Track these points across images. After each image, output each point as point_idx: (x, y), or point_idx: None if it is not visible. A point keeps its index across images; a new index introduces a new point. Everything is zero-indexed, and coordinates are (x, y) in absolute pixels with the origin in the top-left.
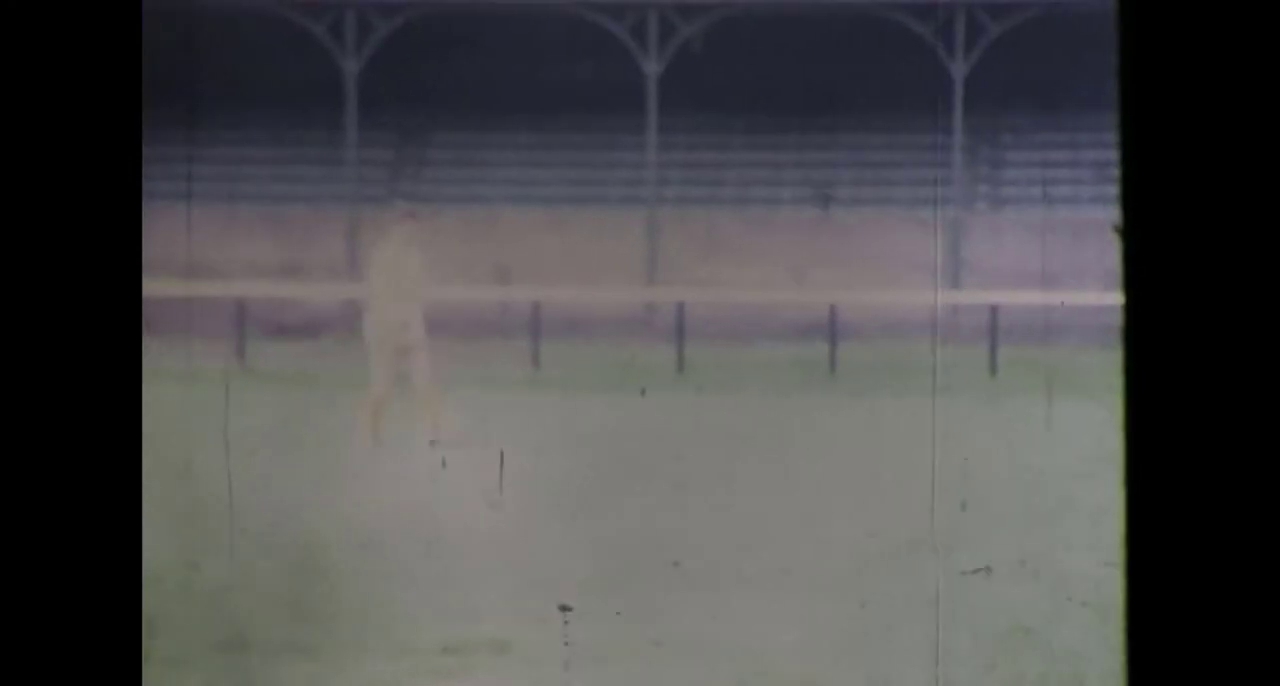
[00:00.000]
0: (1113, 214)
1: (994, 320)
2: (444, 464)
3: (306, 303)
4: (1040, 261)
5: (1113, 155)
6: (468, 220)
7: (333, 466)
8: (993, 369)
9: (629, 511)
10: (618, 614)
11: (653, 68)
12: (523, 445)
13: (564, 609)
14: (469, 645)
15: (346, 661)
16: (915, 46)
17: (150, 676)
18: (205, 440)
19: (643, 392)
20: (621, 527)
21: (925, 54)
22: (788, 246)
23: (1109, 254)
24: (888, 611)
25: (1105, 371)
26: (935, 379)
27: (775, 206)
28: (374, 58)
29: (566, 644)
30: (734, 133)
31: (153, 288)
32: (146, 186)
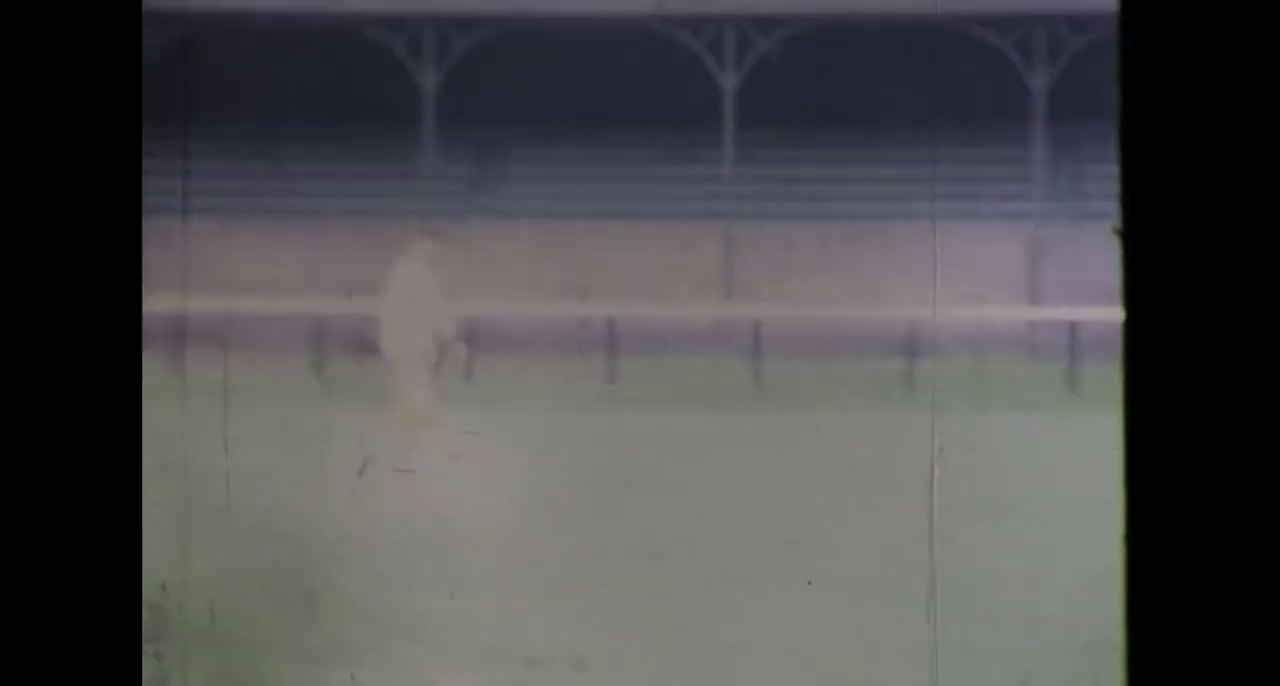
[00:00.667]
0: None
1: (1074, 336)
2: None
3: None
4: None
5: None
6: (545, 235)
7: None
8: (1072, 385)
9: (703, 526)
10: (691, 629)
11: (730, 82)
12: (597, 460)
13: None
14: (549, 659)
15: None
16: (995, 60)
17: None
18: (271, 452)
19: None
20: (696, 541)
21: (1005, 68)
22: (865, 261)
23: None
24: (955, 624)
25: None
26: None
27: (852, 221)
28: (452, 73)
29: (646, 658)
30: (811, 147)
31: (232, 303)
32: (224, 203)
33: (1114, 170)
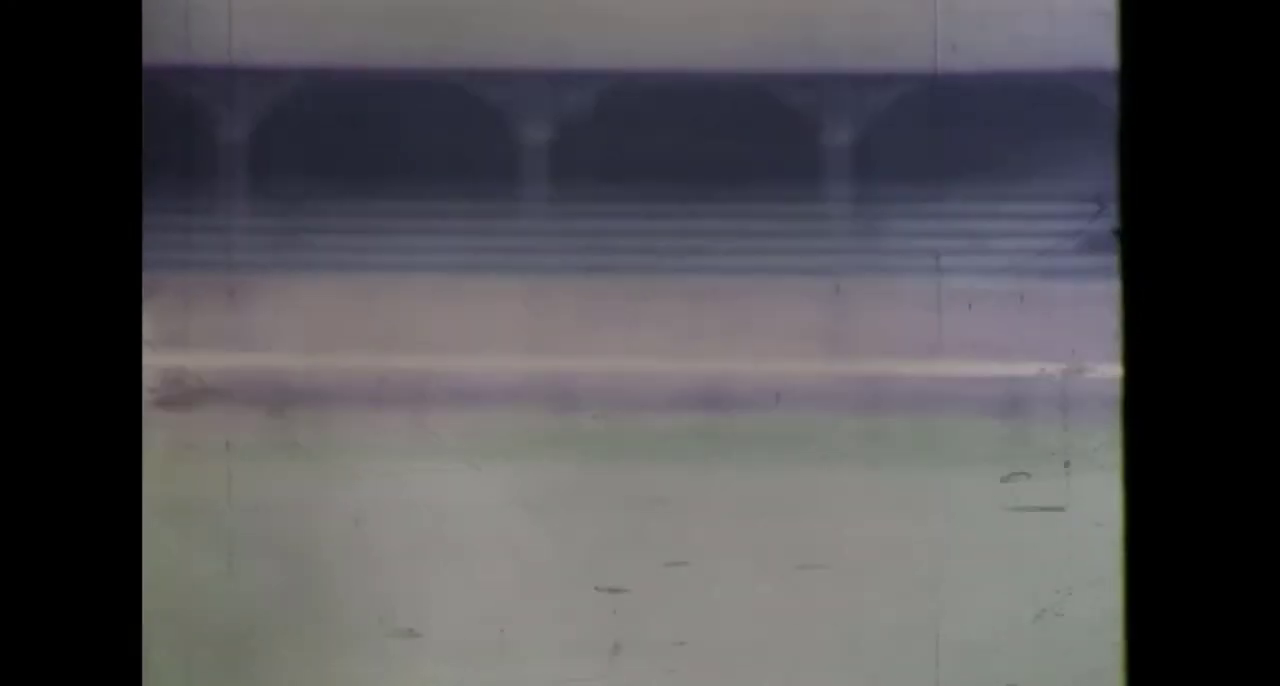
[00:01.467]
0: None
1: (875, 390)
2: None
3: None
4: (934, 332)
5: (979, 225)
6: (352, 289)
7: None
8: (874, 439)
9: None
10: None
11: (539, 136)
12: (408, 517)
13: None
14: None
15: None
16: (798, 118)
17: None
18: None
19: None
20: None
21: (803, 125)
22: (673, 316)
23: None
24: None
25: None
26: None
27: (657, 275)
28: (263, 125)
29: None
30: (625, 201)
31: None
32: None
33: (1115, 174)
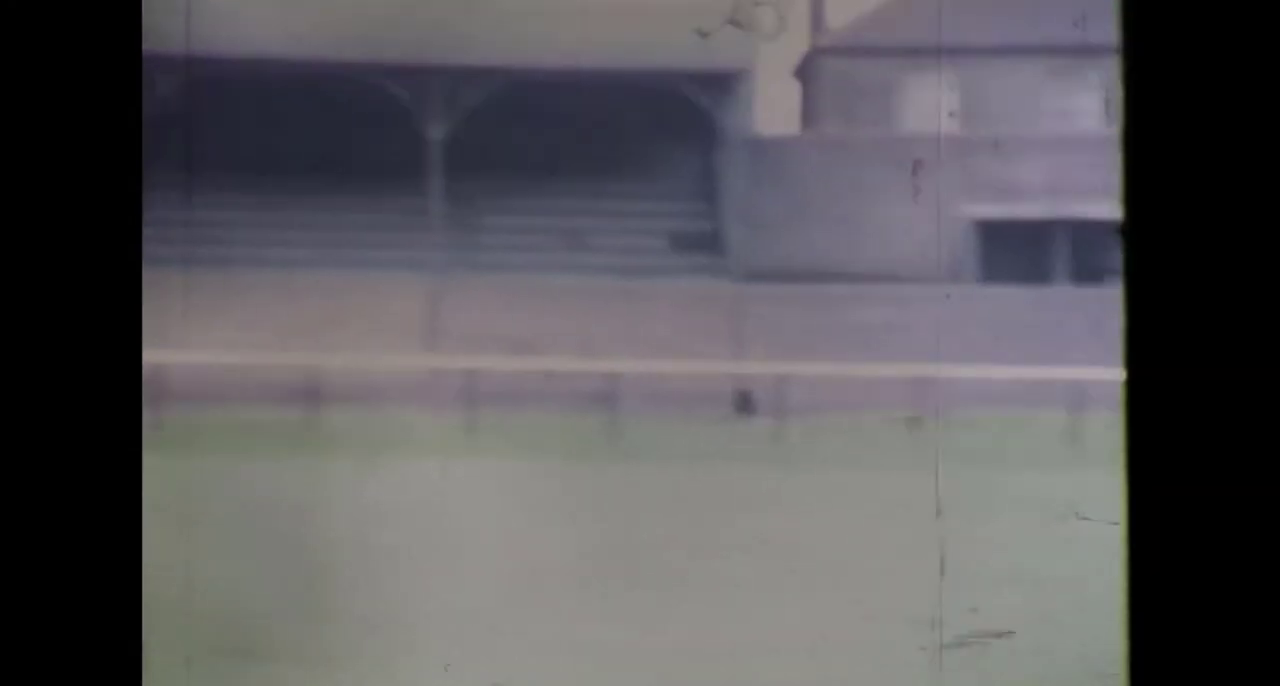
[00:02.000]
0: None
1: (472, 384)
2: None
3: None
4: (517, 326)
5: (578, 223)
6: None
7: None
8: (469, 431)
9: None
10: None
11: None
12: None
13: None
14: None
15: None
16: (394, 111)
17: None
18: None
19: None
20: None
21: (404, 118)
22: (270, 309)
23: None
24: None
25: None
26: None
27: (254, 268)
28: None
29: None
30: (225, 192)
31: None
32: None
33: (1118, 173)
